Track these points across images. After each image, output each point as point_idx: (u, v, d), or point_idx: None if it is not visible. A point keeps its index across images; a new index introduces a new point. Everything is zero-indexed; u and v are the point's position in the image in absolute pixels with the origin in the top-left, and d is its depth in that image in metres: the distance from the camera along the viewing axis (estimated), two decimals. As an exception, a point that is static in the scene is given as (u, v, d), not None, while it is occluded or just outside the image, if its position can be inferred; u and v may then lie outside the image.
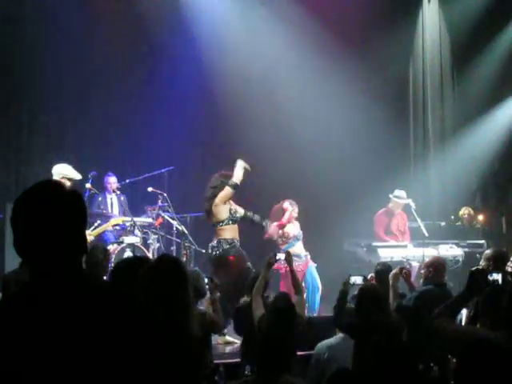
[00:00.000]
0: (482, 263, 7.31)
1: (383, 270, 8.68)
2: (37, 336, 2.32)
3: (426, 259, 9.13)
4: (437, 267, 8.03)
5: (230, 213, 10.40)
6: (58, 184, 2.60)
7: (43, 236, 2.42)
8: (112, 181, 12.33)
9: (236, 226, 10.46)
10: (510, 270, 7.56)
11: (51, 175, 9.69)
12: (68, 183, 9.45)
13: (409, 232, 12.61)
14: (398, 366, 5.19)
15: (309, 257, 11.22)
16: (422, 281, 8.16)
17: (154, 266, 4.50)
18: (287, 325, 7.03)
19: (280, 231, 11.04)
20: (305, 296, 10.76)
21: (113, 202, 12.39)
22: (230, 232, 10.41)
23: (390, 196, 12.52)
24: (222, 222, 10.37)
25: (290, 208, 11.11)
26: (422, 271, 8.24)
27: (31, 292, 2.43)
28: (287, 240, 11.10)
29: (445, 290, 7.58)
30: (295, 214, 11.23)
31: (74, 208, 2.52)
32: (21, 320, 2.35)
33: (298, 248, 11.14)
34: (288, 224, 11.12)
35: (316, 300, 11.01)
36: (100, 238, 11.21)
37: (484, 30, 15.10)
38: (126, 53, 13.52)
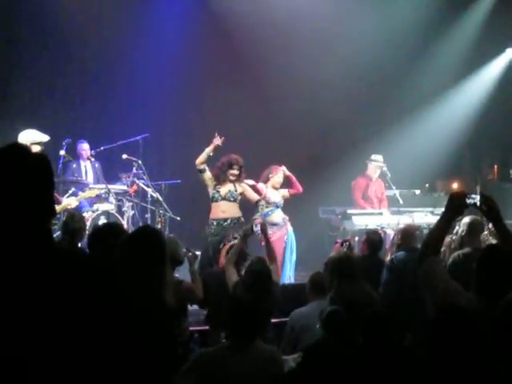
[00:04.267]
0: (459, 229, 7.43)
1: (375, 239, 8.74)
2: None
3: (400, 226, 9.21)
4: (406, 233, 8.16)
5: None
6: (23, 147, 2.57)
7: (9, 200, 2.40)
8: (85, 147, 12.26)
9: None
10: (485, 238, 7.66)
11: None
12: (38, 148, 9.37)
13: (387, 200, 12.64)
14: (371, 334, 5.26)
15: (287, 219, 11.22)
16: (395, 248, 8.27)
17: (132, 236, 4.46)
18: (263, 287, 7.10)
19: (262, 194, 11.00)
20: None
21: (87, 169, 12.33)
22: None
23: (367, 161, 12.55)
24: None
25: (264, 186, 11.06)
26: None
27: None
28: (268, 205, 11.05)
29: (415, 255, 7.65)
30: (279, 179, 11.16)
31: (39, 171, 2.49)
32: None
33: (276, 216, 11.12)
34: (271, 190, 11.08)
35: (286, 266, 11.04)
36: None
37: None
38: (104, 16, 13.36)
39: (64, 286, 2.35)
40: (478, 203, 4.49)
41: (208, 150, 10.37)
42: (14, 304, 2.30)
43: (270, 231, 10.80)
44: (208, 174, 10.43)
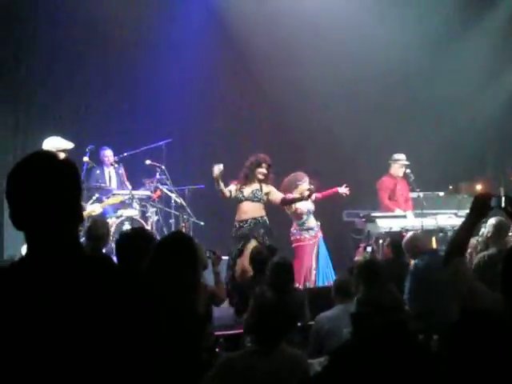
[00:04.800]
0: (484, 231, 7.45)
1: (399, 242, 8.75)
2: (29, 309, 2.30)
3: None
4: (414, 241, 8.27)
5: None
6: (51, 154, 2.57)
7: (38, 207, 2.39)
8: (108, 154, 12.33)
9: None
10: (510, 239, 7.66)
11: (43, 151, 9.58)
12: (63, 155, 9.41)
13: (411, 200, 12.56)
14: (392, 339, 5.25)
15: (319, 225, 11.27)
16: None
17: (165, 242, 4.49)
18: (285, 280, 7.41)
19: (293, 208, 11.00)
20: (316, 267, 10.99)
21: (111, 175, 12.38)
22: None
23: (390, 161, 12.47)
24: None
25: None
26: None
27: (26, 264, 2.41)
28: (301, 215, 11.10)
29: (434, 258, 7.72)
30: (307, 186, 11.10)
31: (67, 177, 2.48)
32: (12, 292, 2.33)
33: (311, 221, 11.18)
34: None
35: (330, 271, 11.10)
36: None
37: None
38: (125, 18, 13.42)
39: (93, 292, 2.35)
40: (503, 205, 4.49)
41: (220, 186, 10.30)
42: (43, 311, 2.30)
43: (306, 235, 10.95)
44: (235, 192, 10.49)
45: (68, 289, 2.33)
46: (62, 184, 2.44)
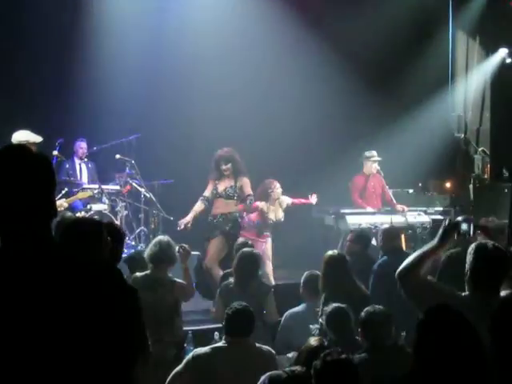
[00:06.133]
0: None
1: (363, 237, 8.78)
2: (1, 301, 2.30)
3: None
4: (387, 235, 8.25)
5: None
6: (24, 147, 2.56)
7: (12, 200, 2.39)
8: (83, 146, 12.34)
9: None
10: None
11: (12, 145, 9.49)
12: (33, 149, 9.30)
13: (389, 193, 12.46)
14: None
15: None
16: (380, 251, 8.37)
17: (70, 226, 4.45)
18: (252, 268, 7.46)
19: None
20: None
21: (81, 168, 12.31)
22: None
23: (361, 159, 12.44)
24: None
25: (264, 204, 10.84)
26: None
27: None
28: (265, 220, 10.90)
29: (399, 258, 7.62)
30: (280, 190, 10.98)
31: (41, 171, 2.47)
32: None
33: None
34: (273, 207, 10.93)
35: None
36: (68, 205, 11.12)
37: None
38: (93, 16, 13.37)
39: (67, 286, 2.34)
40: (472, 233, 4.52)
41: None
42: (17, 305, 2.29)
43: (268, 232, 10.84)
44: (213, 191, 10.65)
45: (40, 283, 2.32)
46: (36, 177, 2.44)
